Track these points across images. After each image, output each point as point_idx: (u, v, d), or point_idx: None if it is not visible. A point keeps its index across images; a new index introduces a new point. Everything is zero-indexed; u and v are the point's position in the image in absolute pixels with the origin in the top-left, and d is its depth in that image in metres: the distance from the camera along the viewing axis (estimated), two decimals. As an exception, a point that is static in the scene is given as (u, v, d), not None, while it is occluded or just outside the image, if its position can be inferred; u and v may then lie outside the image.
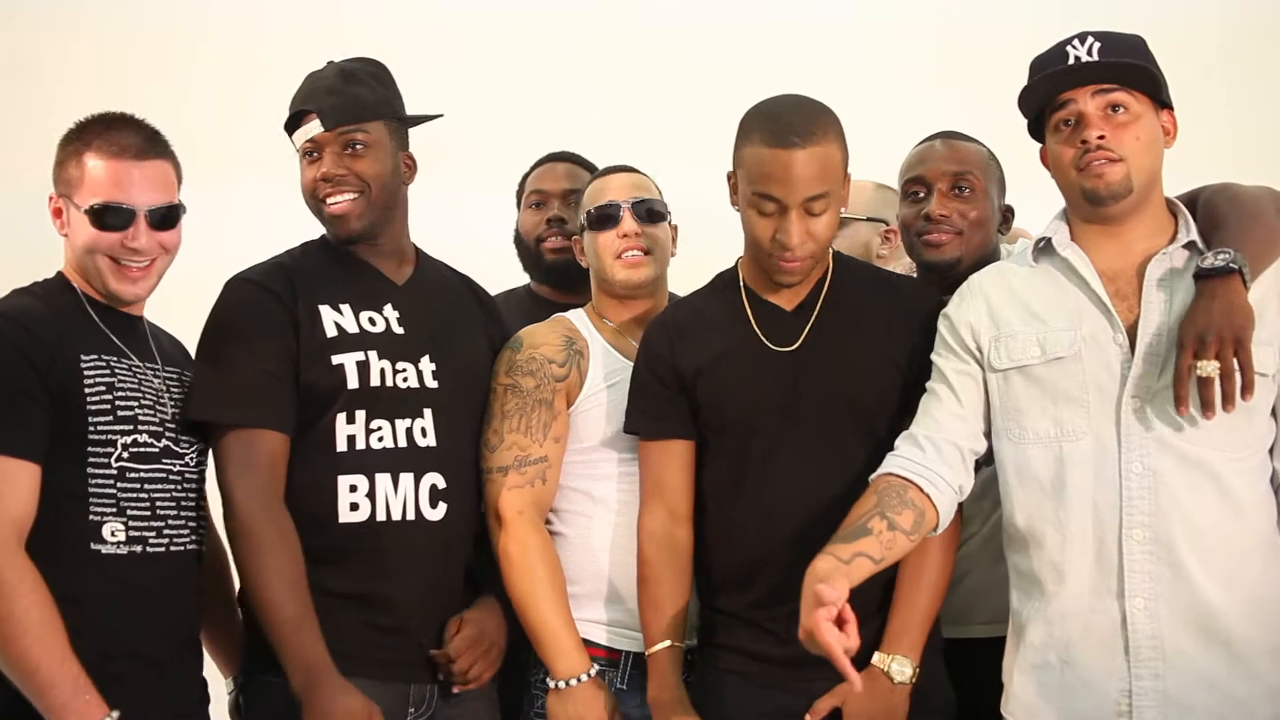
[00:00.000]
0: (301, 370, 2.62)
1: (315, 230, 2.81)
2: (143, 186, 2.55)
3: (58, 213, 2.59)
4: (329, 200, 2.69)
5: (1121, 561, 2.31)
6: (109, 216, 2.52)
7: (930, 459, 2.41)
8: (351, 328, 2.67)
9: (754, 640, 2.56)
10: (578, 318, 2.90)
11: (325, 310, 2.68)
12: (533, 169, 3.40)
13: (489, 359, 2.83)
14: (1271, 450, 2.36)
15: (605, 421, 2.76)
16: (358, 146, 2.69)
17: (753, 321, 2.61)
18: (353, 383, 2.63)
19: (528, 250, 3.35)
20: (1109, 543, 2.32)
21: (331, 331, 2.66)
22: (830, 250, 2.66)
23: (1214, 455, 2.30)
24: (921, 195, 2.84)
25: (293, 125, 2.74)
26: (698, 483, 2.64)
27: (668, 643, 2.58)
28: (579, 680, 2.63)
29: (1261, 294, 2.30)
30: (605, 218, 2.86)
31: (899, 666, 2.48)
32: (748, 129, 2.53)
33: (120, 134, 2.56)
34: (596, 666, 2.66)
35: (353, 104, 2.69)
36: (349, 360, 2.64)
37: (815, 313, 2.59)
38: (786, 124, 2.47)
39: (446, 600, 2.69)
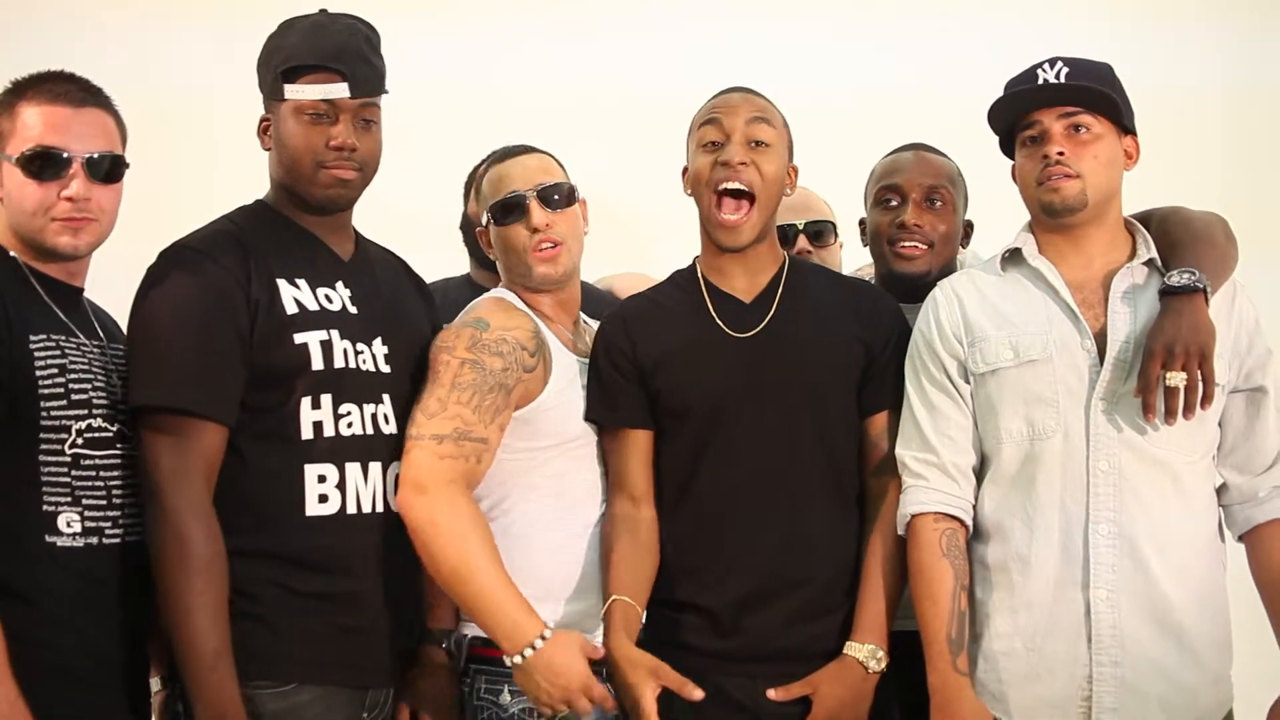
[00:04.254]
0: (258, 351, 2.44)
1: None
2: (80, 133, 2.39)
3: None
4: (335, 170, 2.53)
5: (1087, 554, 2.44)
6: (42, 163, 2.35)
7: (964, 489, 2.56)
8: (311, 304, 2.51)
9: (697, 633, 2.60)
10: (522, 305, 2.75)
11: (283, 285, 2.49)
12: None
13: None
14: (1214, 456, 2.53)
15: (567, 419, 2.69)
16: (369, 123, 2.56)
17: (712, 311, 2.67)
18: (317, 363, 2.47)
19: (476, 236, 3.22)
20: (1075, 536, 2.45)
21: (291, 308, 2.48)
22: (786, 255, 2.78)
23: (1173, 456, 2.46)
24: (895, 203, 2.91)
25: (292, 74, 2.50)
26: (656, 470, 2.68)
27: (614, 597, 2.57)
28: (542, 639, 2.43)
29: (1214, 312, 2.46)
30: (511, 209, 2.70)
31: (875, 655, 2.55)
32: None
33: (55, 83, 2.42)
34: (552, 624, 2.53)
35: (378, 77, 2.56)
36: (312, 339, 2.48)
37: (775, 302, 2.67)
38: (728, 89, 2.72)
39: (410, 597, 2.61)
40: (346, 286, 2.59)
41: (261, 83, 2.59)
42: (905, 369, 2.64)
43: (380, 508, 2.53)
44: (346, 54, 2.51)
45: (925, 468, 2.56)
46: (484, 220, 2.78)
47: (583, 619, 2.64)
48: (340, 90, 2.50)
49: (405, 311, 2.71)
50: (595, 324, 2.83)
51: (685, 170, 2.73)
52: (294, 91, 2.50)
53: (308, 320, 2.49)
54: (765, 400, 2.61)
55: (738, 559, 2.60)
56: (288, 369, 2.47)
